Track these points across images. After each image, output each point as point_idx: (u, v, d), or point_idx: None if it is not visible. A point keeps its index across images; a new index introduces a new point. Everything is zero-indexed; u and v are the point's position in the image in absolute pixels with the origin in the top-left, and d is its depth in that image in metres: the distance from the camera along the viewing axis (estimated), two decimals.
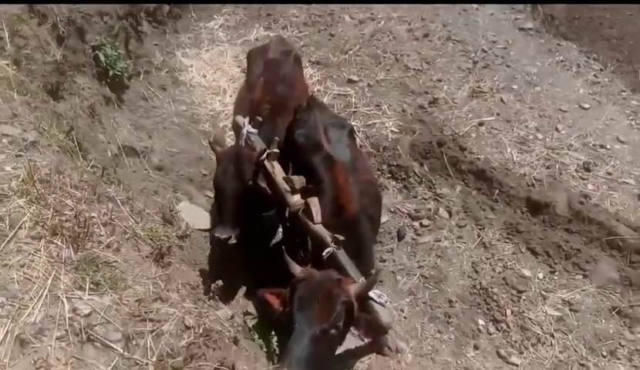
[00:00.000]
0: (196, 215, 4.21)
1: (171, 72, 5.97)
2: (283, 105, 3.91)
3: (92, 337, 1.65)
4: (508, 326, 3.88)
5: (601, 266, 4.22)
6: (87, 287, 1.79)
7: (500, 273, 4.21)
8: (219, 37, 6.72)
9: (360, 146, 5.04)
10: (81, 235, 1.95)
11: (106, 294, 1.80)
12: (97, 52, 4.85)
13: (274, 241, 3.96)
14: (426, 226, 4.56)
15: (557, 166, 4.96)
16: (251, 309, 3.38)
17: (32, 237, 1.93)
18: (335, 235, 2.82)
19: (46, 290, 1.74)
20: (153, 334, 1.71)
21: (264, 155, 3.26)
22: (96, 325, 1.67)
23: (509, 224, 4.53)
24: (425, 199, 4.77)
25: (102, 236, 2.06)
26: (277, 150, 3.32)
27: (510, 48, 6.35)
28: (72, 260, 1.88)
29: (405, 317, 4.02)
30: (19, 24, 3.84)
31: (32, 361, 1.58)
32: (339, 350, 3.72)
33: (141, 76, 5.59)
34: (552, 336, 3.83)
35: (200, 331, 1.88)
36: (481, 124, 5.38)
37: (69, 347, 1.61)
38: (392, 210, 4.70)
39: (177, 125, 5.32)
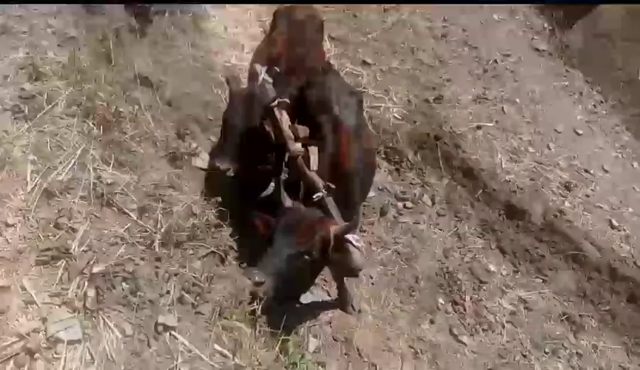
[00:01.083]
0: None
1: (194, 17, 6.17)
2: (300, 65, 4.17)
3: (111, 202, 1.94)
4: (465, 309, 4.24)
5: (561, 275, 4.61)
6: (112, 163, 2.08)
7: (467, 262, 4.57)
8: None
9: None
10: (110, 122, 2.23)
11: (127, 172, 2.09)
12: None
13: (264, 193, 4.23)
14: (409, 208, 4.89)
15: (541, 180, 5.31)
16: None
17: (66, 114, 2.20)
18: (328, 183, 3.12)
19: (75, 158, 2.02)
20: (164, 211, 2.01)
21: (275, 102, 3.55)
22: (116, 194, 1.96)
23: (485, 222, 4.89)
24: (412, 184, 5.09)
25: (127, 128, 2.34)
26: (288, 100, 3.61)
27: (520, 65, 6.68)
28: (101, 139, 2.16)
29: (372, 284, 4.35)
30: None
31: (56, 211, 1.86)
32: (307, 299, 4.08)
33: (166, 14, 5.79)
34: (503, 326, 4.21)
35: (204, 219, 2.18)
36: (479, 128, 5.71)
37: (90, 206, 1.90)
38: (380, 187, 5.01)
39: (192, 68, 5.55)
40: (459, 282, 4.40)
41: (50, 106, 2.19)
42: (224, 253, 2.31)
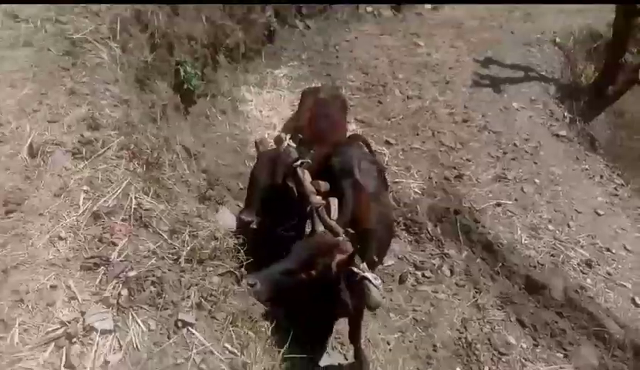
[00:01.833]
0: (228, 219, 4.82)
1: (233, 101, 6.88)
2: (322, 138, 4.61)
3: (147, 224, 2.28)
4: None
5: (583, 350, 4.56)
6: (150, 194, 2.45)
7: (486, 333, 4.60)
8: (281, 83, 7.68)
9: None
10: (152, 164, 2.63)
11: (162, 202, 2.45)
12: (179, 66, 5.79)
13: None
14: (428, 277, 5.05)
15: (562, 257, 5.39)
16: None
17: (116, 156, 2.63)
18: (347, 229, 3.39)
19: (121, 189, 2.41)
20: (191, 234, 2.33)
21: (298, 162, 3.95)
22: (151, 218, 2.31)
23: (504, 295, 4.96)
24: (432, 254, 5.28)
25: (166, 171, 2.74)
26: (310, 161, 4.00)
27: (540, 149, 6.98)
28: (143, 177, 2.55)
29: (390, 350, 4.43)
30: (127, 25, 4.80)
31: (101, 229, 2.22)
32: (324, 362, 4.19)
33: (208, 97, 6.51)
34: None
35: (224, 244, 2.48)
36: (498, 205, 5.92)
37: (129, 226, 2.24)
38: (400, 256, 5.22)
39: (228, 144, 6.13)
40: (477, 352, 4.43)
41: (103, 150, 2.63)
42: (240, 274, 2.57)
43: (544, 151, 7.00)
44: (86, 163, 2.57)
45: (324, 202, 3.61)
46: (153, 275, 2.10)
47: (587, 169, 6.82)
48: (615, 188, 6.58)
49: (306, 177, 3.89)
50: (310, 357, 3.23)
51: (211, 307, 2.18)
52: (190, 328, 2.00)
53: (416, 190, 6.00)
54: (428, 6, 10.72)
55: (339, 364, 4.25)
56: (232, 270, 2.53)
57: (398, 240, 5.39)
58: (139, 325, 1.95)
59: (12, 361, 1.78)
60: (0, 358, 1.78)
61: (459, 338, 4.52)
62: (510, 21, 10.56)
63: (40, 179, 2.46)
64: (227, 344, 2.05)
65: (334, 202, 3.54)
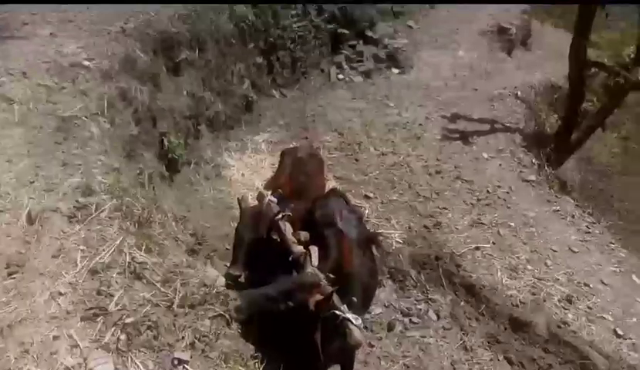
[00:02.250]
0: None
1: (216, 167, 7.15)
2: (302, 193, 4.87)
3: (141, 276, 2.44)
4: None
5: None
6: (143, 248, 2.62)
7: None
8: (261, 148, 8.02)
9: None
10: (143, 223, 2.82)
11: (154, 256, 2.62)
12: (163, 137, 6.09)
13: None
14: (415, 323, 5.17)
15: (542, 294, 5.59)
16: None
17: (109, 217, 2.82)
18: (328, 274, 3.56)
19: (115, 246, 2.58)
20: (182, 282, 2.48)
21: (280, 215, 4.16)
22: (145, 269, 2.47)
23: (490, 335, 5.09)
24: (417, 300, 5.43)
25: (156, 228, 2.93)
26: (290, 214, 4.22)
27: (512, 194, 7.33)
28: (135, 234, 2.73)
29: None
30: (113, 102, 5.11)
31: (98, 283, 2.37)
32: None
33: (191, 165, 6.77)
34: None
35: (214, 290, 2.62)
36: (477, 249, 6.16)
37: (124, 278, 2.40)
38: (387, 304, 5.36)
39: (213, 207, 6.34)
40: None
41: (97, 213, 2.82)
42: (230, 316, 2.71)
43: (516, 196, 7.34)
44: (82, 225, 2.75)
45: (304, 251, 3.80)
46: (149, 320, 2.24)
47: (558, 210, 7.15)
48: (587, 226, 6.90)
49: (287, 229, 4.10)
50: None
51: (204, 346, 2.31)
52: (185, 366, 2.13)
53: (398, 239, 6.22)
54: (395, 71, 11.40)
55: None
56: (222, 313, 2.67)
57: (384, 289, 5.54)
58: (138, 366, 2.07)
59: None
60: None
61: None
62: (472, 79, 11.26)
63: (39, 243, 2.62)
64: None
65: (314, 250, 3.74)
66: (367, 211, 6.67)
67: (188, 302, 2.48)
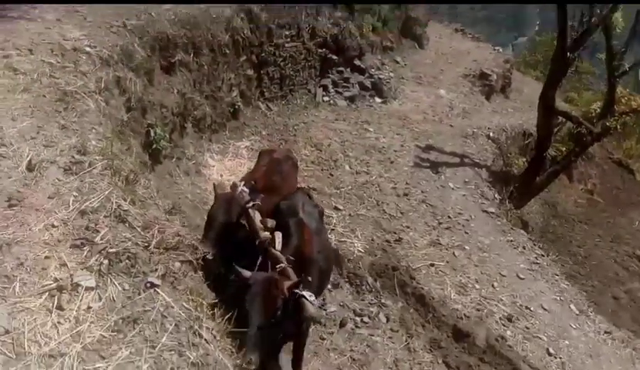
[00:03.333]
0: None
1: (197, 165, 7.59)
2: (273, 190, 5.31)
3: (124, 220, 2.86)
4: None
5: None
6: (128, 201, 3.05)
7: None
8: (242, 153, 8.49)
9: None
10: (130, 182, 3.26)
11: (137, 208, 3.05)
12: (150, 128, 6.51)
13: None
14: (366, 323, 5.60)
15: (485, 311, 6.09)
16: None
17: (101, 173, 3.25)
18: (288, 256, 4.00)
19: (104, 195, 3.00)
20: (159, 230, 2.92)
21: (250, 204, 4.60)
22: (128, 216, 2.90)
23: (433, 340, 5.55)
24: (370, 303, 5.87)
25: (140, 188, 3.38)
26: (259, 203, 4.67)
27: (471, 221, 7.90)
28: (123, 188, 3.17)
29: None
30: (109, 86, 5.53)
31: (87, 221, 2.78)
32: None
33: (174, 159, 7.20)
34: None
35: (186, 241, 3.06)
36: (432, 265, 6.67)
37: (110, 221, 2.82)
38: (342, 304, 5.78)
39: (190, 200, 6.73)
40: None
41: (90, 168, 3.23)
42: (198, 264, 3.12)
43: (475, 224, 7.91)
44: (75, 177, 3.16)
45: (270, 236, 4.24)
46: (129, 253, 2.63)
47: (512, 241, 7.73)
48: (536, 257, 7.47)
49: (256, 216, 4.54)
50: None
51: (173, 280, 2.71)
52: (156, 289, 2.52)
53: (360, 249, 6.69)
54: (378, 100, 12.07)
55: None
56: (192, 259, 3.08)
57: (340, 290, 5.98)
58: (115, 286, 2.46)
59: (14, 302, 2.25)
60: (4, 302, 2.25)
61: None
62: (449, 117, 12.02)
63: (37, 186, 3.01)
64: (184, 304, 2.57)
65: (278, 235, 4.20)
66: (334, 221, 7.15)
67: (163, 245, 2.89)
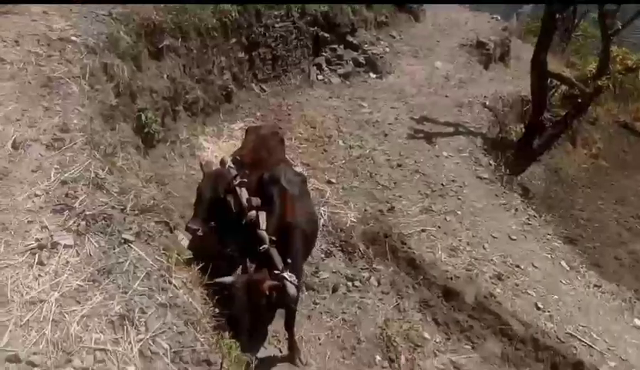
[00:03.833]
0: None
1: (191, 148, 7.81)
2: (261, 164, 5.52)
3: (102, 187, 3.10)
4: (399, 366, 4.93)
5: (489, 344, 5.35)
6: (106, 170, 3.28)
7: (405, 330, 5.36)
8: (237, 135, 8.68)
9: (323, 226, 6.53)
10: (109, 154, 3.48)
11: (114, 176, 3.29)
12: (141, 112, 6.73)
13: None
14: (357, 287, 5.83)
15: (475, 271, 6.27)
16: None
17: (81, 148, 3.47)
18: (271, 237, 4.23)
19: (83, 166, 3.23)
20: (136, 195, 3.15)
21: (237, 181, 4.82)
22: (106, 183, 3.13)
23: (423, 300, 5.77)
24: (362, 269, 6.10)
25: (119, 159, 3.61)
26: (246, 180, 4.88)
27: (464, 188, 8.04)
28: (101, 160, 3.40)
29: (320, 344, 5.11)
30: (95, 72, 5.74)
31: (67, 189, 3.01)
32: (262, 354, 4.87)
33: (167, 143, 7.42)
34: None
35: (162, 205, 3.28)
36: (423, 231, 6.85)
37: (88, 189, 3.05)
38: (334, 270, 6.02)
39: (184, 181, 6.97)
40: (395, 344, 5.15)
41: (71, 144, 3.47)
42: (174, 225, 3.35)
43: (468, 190, 8.06)
44: (57, 152, 3.39)
45: (255, 214, 4.45)
46: (105, 214, 2.86)
47: (504, 204, 7.87)
48: (528, 218, 7.62)
49: (242, 194, 4.77)
50: None
51: (147, 238, 2.94)
52: (129, 244, 2.76)
53: (353, 219, 6.89)
54: (373, 75, 12.15)
55: (274, 355, 4.90)
56: (167, 221, 3.31)
57: (333, 258, 6.20)
58: (92, 243, 2.69)
59: None
60: None
61: (381, 334, 5.24)
62: (445, 88, 12.06)
63: (21, 162, 3.25)
64: (157, 257, 2.80)
65: (262, 215, 4.43)
66: (327, 194, 7.35)
67: (138, 207, 3.12)
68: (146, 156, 6.80)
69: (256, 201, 4.71)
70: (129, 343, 2.19)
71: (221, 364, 2.36)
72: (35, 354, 2.08)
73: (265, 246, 4.31)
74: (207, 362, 2.33)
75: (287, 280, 4.05)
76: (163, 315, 2.39)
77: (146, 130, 6.80)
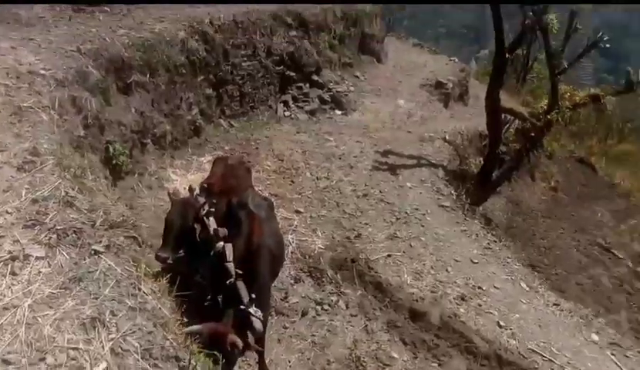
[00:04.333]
0: None
1: (159, 180, 7.88)
2: (229, 192, 5.65)
3: (72, 205, 3.18)
4: None
5: (455, 361, 5.51)
6: (76, 189, 3.37)
7: (373, 350, 5.47)
8: (205, 167, 8.78)
9: (291, 253, 6.66)
10: (78, 177, 3.58)
11: (84, 195, 3.37)
12: (109, 144, 6.81)
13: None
14: (326, 310, 5.94)
15: (440, 293, 6.47)
16: None
17: (51, 170, 3.56)
18: (237, 270, 4.34)
19: (53, 186, 3.32)
20: (105, 212, 3.24)
21: (204, 211, 4.93)
22: (75, 201, 3.21)
23: (391, 321, 5.90)
24: (331, 293, 6.21)
25: (89, 181, 3.69)
26: (213, 209, 5.01)
27: (427, 216, 8.33)
28: (71, 181, 3.49)
29: (290, 366, 5.16)
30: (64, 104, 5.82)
31: (38, 207, 3.09)
32: None
33: (135, 175, 7.48)
34: None
35: (131, 222, 3.37)
36: (389, 256, 7.04)
37: (59, 206, 3.14)
38: (303, 295, 6.10)
39: (153, 212, 7.01)
40: (364, 364, 5.25)
41: (41, 166, 3.56)
42: (143, 241, 3.43)
43: (431, 217, 8.35)
44: (28, 173, 3.47)
45: (222, 246, 4.56)
46: (75, 228, 2.94)
47: (465, 230, 8.18)
48: (488, 243, 7.93)
49: (210, 223, 4.88)
50: None
51: (117, 251, 3.01)
52: (100, 255, 2.83)
53: (320, 246, 7.04)
54: (339, 112, 12.57)
55: None
56: (135, 236, 3.39)
57: (302, 284, 6.30)
58: (63, 255, 2.75)
59: None
60: None
61: (350, 354, 5.33)
62: (407, 124, 12.58)
63: None
64: (126, 267, 2.88)
65: (228, 247, 4.55)
66: (295, 223, 7.49)
67: (108, 223, 3.20)
68: (114, 187, 6.83)
69: (223, 232, 4.81)
70: (101, 342, 2.25)
71: (189, 360, 2.44)
72: (9, 353, 2.12)
73: (231, 280, 4.41)
74: (176, 358, 2.40)
75: (252, 315, 4.16)
76: (133, 318, 2.46)
77: (114, 162, 6.87)
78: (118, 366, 2.18)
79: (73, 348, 2.19)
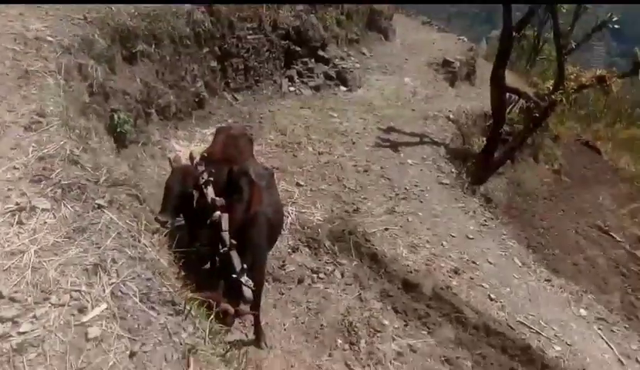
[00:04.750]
0: None
1: (163, 150, 8.05)
2: (229, 161, 5.81)
3: (77, 163, 3.35)
4: (359, 349, 5.23)
5: (444, 329, 5.69)
6: (80, 148, 3.54)
7: (366, 317, 5.67)
8: (208, 139, 8.91)
9: (290, 224, 6.85)
10: (83, 136, 3.75)
11: (88, 154, 3.55)
12: (114, 112, 6.97)
13: None
14: (322, 278, 6.13)
15: (434, 266, 6.65)
16: None
17: (57, 131, 3.72)
18: (232, 240, 4.51)
19: (59, 145, 3.49)
20: (107, 170, 3.42)
21: (203, 179, 5.10)
22: (80, 159, 3.39)
23: (384, 291, 6.09)
24: (327, 263, 6.40)
25: (92, 141, 3.86)
26: (212, 179, 5.17)
27: (426, 192, 8.47)
28: (77, 141, 3.66)
29: (285, 329, 5.37)
30: (70, 70, 5.97)
31: (44, 164, 3.27)
32: (229, 338, 5.09)
33: (139, 144, 7.65)
34: (391, 363, 5.15)
35: (132, 181, 3.56)
36: (386, 230, 7.21)
37: (64, 164, 3.31)
38: (300, 264, 6.29)
39: (155, 180, 7.19)
40: (356, 329, 5.45)
41: (48, 127, 3.73)
42: (144, 199, 3.63)
43: (429, 194, 8.49)
44: (35, 133, 3.64)
45: (219, 215, 4.73)
46: (80, 184, 3.12)
47: (463, 207, 8.32)
48: (485, 220, 8.07)
49: (209, 192, 5.05)
50: None
51: (119, 206, 3.20)
52: (102, 209, 3.02)
53: (319, 218, 7.21)
54: (343, 88, 12.64)
55: (240, 339, 5.14)
56: (137, 194, 3.58)
57: (300, 253, 6.49)
58: (68, 208, 2.94)
59: None
60: None
61: (343, 320, 5.54)
62: (412, 102, 12.63)
63: (1, 142, 3.49)
64: (128, 221, 3.06)
65: (224, 217, 4.71)
66: (296, 195, 7.66)
67: (111, 181, 3.38)
68: (117, 156, 7.00)
69: (220, 202, 4.98)
70: (102, 286, 2.44)
71: (184, 304, 2.63)
72: (16, 292, 2.32)
73: (226, 249, 4.59)
74: (172, 303, 2.59)
75: (243, 284, 4.36)
76: (133, 266, 2.65)
77: (118, 130, 7.02)
78: (117, 307, 2.37)
79: (76, 290, 2.38)
